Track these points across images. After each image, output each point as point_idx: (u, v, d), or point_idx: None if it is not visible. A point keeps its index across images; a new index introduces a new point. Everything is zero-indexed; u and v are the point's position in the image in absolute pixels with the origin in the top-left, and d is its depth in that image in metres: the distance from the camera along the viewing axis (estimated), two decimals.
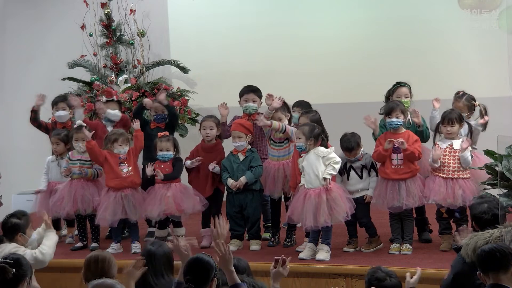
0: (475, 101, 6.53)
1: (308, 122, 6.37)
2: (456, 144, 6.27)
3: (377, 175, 6.46)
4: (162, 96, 7.08)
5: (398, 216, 6.44)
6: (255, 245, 6.72)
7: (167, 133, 6.85)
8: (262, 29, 9.31)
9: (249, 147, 6.75)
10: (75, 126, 7.07)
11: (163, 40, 9.69)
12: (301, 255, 6.30)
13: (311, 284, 6.06)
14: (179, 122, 8.78)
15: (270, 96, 6.70)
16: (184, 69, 9.30)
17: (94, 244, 6.97)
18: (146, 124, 7.15)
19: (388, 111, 6.39)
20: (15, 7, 10.12)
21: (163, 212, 6.68)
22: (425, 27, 8.83)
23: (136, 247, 6.80)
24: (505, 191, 5.39)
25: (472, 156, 6.26)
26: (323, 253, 6.21)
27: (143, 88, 8.90)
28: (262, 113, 6.64)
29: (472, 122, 6.48)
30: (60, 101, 7.47)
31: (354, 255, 6.40)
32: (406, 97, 6.65)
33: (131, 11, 9.27)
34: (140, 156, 7.17)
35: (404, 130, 6.43)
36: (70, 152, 6.99)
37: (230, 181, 6.66)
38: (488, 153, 6.05)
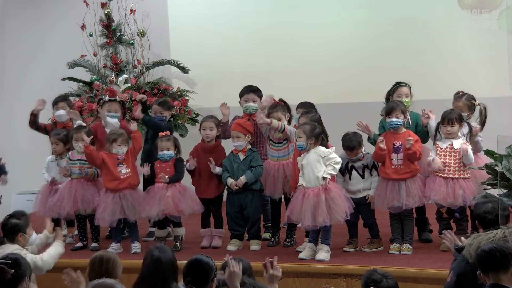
0: (475, 101, 6.52)
1: (308, 121, 6.37)
2: (456, 144, 6.27)
3: (378, 175, 6.46)
4: (137, 112, 7.07)
5: (398, 216, 6.44)
6: (255, 245, 6.72)
7: (168, 132, 6.85)
8: (262, 29, 9.31)
9: (249, 146, 6.76)
10: (75, 126, 7.06)
11: (163, 40, 9.69)
12: (301, 255, 6.30)
13: (311, 284, 6.05)
14: (179, 122, 8.79)
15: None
16: (184, 69, 9.30)
17: (94, 244, 6.97)
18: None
19: (388, 111, 6.39)
20: (15, 7, 10.13)
21: (162, 212, 6.68)
22: (425, 27, 8.83)
23: (136, 247, 6.80)
24: (505, 191, 5.40)
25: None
26: (323, 253, 6.21)
27: (143, 88, 8.90)
28: (263, 111, 6.61)
29: (473, 123, 6.48)
30: (60, 100, 7.47)
31: (354, 255, 6.40)
32: (407, 97, 6.65)
33: (131, 11, 9.27)
34: (140, 157, 7.18)
35: (404, 130, 6.43)
36: (70, 152, 6.98)
37: (230, 181, 6.66)
38: (488, 153, 6.05)
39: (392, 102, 6.51)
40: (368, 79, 8.80)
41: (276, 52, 9.24)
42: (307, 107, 6.86)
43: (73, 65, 9.26)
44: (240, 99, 7.02)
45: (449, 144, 6.30)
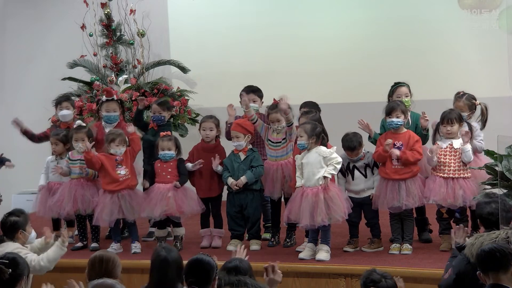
0: (475, 100, 6.52)
1: (309, 121, 6.37)
2: (456, 143, 6.27)
3: None
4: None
5: (398, 216, 6.44)
6: (255, 245, 6.71)
7: (169, 132, 6.85)
8: (262, 29, 9.31)
9: (250, 146, 6.76)
10: (74, 126, 7.06)
11: (163, 40, 9.68)
12: (301, 255, 6.30)
13: (311, 284, 6.06)
14: (179, 122, 8.79)
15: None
16: (184, 69, 9.30)
17: (94, 244, 6.97)
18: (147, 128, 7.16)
19: (388, 111, 6.38)
20: (15, 7, 10.12)
21: (164, 213, 6.68)
22: (425, 27, 8.83)
23: (136, 247, 6.80)
24: (505, 191, 5.40)
25: (473, 153, 6.27)
26: (323, 253, 6.21)
27: (143, 88, 8.90)
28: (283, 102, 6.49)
29: (473, 123, 6.48)
30: (64, 100, 7.48)
31: (354, 255, 6.40)
32: (407, 96, 6.64)
33: (131, 11, 9.27)
34: (140, 158, 7.17)
35: (405, 130, 6.43)
36: (70, 152, 6.98)
37: (230, 180, 6.66)
38: (488, 153, 6.05)
39: (393, 102, 6.51)
40: (368, 79, 8.80)
41: (276, 52, 9.24)
42: (310, 107, 6.85)
43: (73, 65, 9.25)
44: (241, 99, 7.01)
45: (449, 144, 6.30)
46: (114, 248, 6.75)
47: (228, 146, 6.92)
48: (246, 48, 9.36)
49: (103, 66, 9.26)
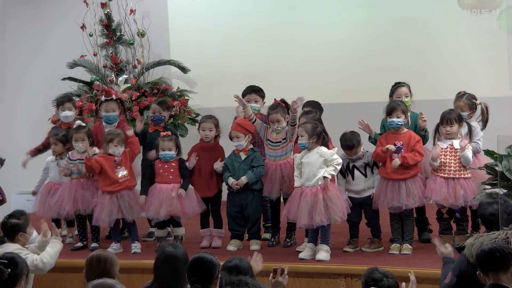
0: (476, 100, 6.52)
1: (310, 120, 6.37)
2: (457, 144, 6.27)
3: None
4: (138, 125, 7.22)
5: (398, 216, 6.44)
6: (255, 245, 6.71)
7: (169, 132, 6.84)
8: (262, 29, 9.31)
9: (251, 146, 6.75)
10: (74, 126, 7.06)
11: (163, 40, 9.69)
12: (301, 255, 6.30)
13: (311, 284, 6.06)
14: (179, 122, 8.79)
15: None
16: (184, 69, 9.30)
17: (94, 244, 6.97)
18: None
19: (389, 111, 6.38)
20: (15, 7, 10.13)
21: (168, 213, 6.67)
22: (425, 27, 8.83)
23: (136, 247, 6.80)
24: (505, 191, 5.39)
25: (473, 156, 6.26)
26: (323, 253, 6.21)
27: (143, 88, 8.90)
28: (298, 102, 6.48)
29: (473, 123, 6.47)
30: (67, 101, 7.48)
31: (354, 255, 6.40)
32: (407, 96, 6.64)
33: (131, 11, 9.27)
34: (140, 159, 7.17)
35: (405, 130, 6.43)
36: (70, 152, 6.98)
37: (231, 180, 6.66)
38: (488, 153, 6.04)
39: (393, 102, 6.50)
40: (368, 79, 8.80)
41: (276, 52, 9.24)
42: (313, 106, 6.86)
43: (73, 65, 9.26)
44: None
45: (449, 144, 6.30)
46: (114, 248, 6.75)
47: (227, 146, 6.92)
48: (246, 48, 9.36)
49: (103, 66, 9.26)
